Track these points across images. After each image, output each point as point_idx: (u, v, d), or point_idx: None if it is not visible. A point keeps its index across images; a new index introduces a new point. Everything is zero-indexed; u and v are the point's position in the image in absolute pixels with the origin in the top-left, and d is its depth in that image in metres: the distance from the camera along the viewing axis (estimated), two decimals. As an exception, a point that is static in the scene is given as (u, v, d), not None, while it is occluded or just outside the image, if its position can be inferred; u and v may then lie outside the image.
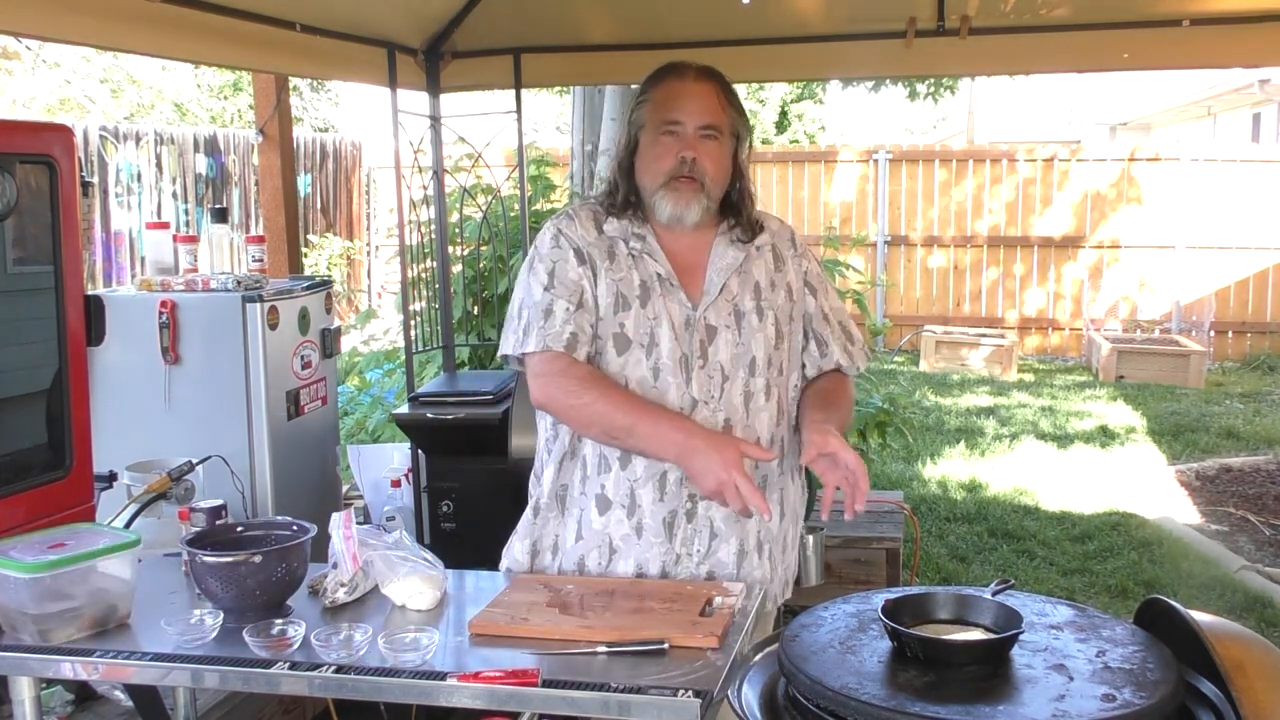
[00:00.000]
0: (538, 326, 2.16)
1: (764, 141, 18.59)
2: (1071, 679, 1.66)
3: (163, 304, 3.46)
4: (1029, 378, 10.24)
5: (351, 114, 17.75)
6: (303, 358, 3.75)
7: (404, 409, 4.09)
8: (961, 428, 8.11)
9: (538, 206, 6.55)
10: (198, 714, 2.42)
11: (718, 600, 2.00)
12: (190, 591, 2.17)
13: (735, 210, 2.28)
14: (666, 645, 1.82)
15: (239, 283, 3.52)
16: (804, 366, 2.33)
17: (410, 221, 4.46)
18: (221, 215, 4.37)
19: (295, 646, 1.86)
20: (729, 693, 1.78)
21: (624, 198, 2.25)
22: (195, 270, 3.72)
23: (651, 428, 2.07)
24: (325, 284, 4.00)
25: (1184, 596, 4.07)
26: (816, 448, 2.05)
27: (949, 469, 7.00)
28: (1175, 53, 3.92)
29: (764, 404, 2.22)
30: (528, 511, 2.32)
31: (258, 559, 2.01)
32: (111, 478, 2.81)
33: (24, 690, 1.96)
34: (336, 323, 4.12)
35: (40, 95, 13.94)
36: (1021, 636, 1.76)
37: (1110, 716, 1.54)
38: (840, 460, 2.04)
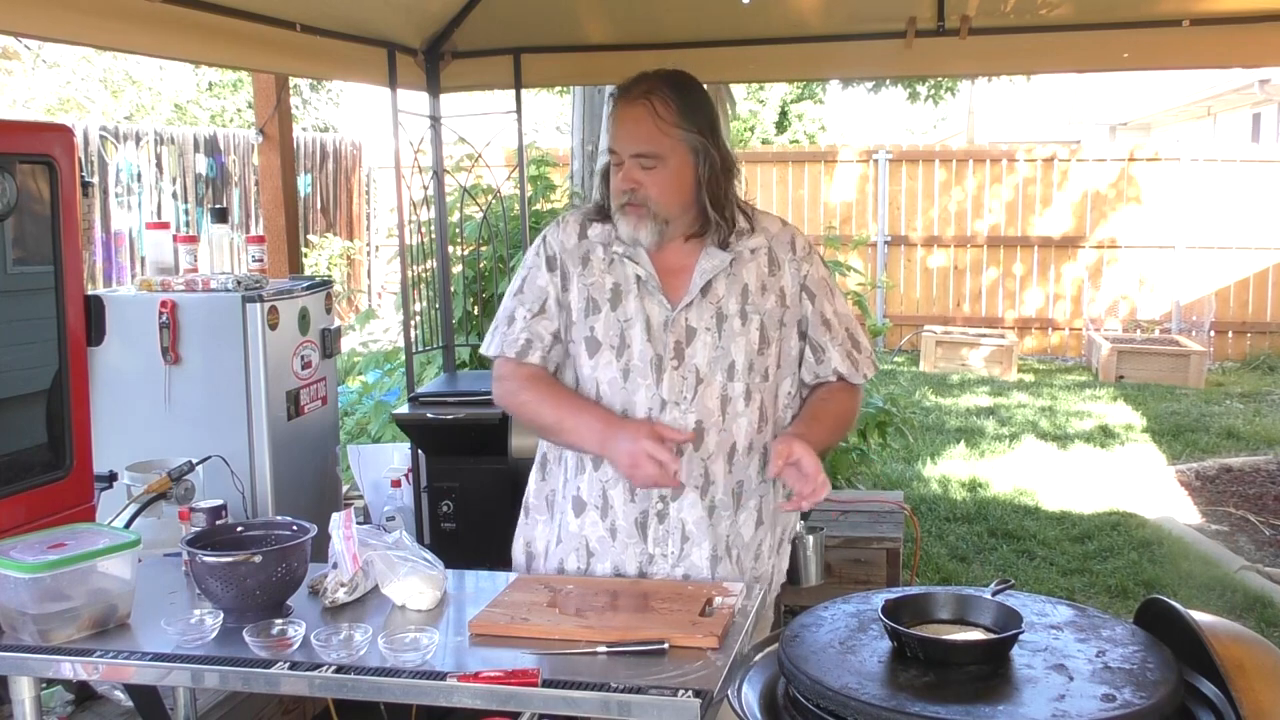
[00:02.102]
0: (500, 332, 2.27)
1: (764, 141, 18.60)
2: (1071, 679, 1.66)
3: (163, 304, 3.46)
4: (1029, 378, 10.24)
5: (351, 114, 17.77)
6: (303, 358, 3.75)
7: (404, 409, 4.09)
8: (961, 428, 8.11)
9: (538, 206, 6.55)
10: (198, 714, 2.42)
11: (718, 600, 2.00)
12: (190, 591, 2.17)
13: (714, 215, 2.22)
14: (666, 645, 1.82)
15: (239, 283, 3.52)
16: (802, 373, 2.30)
17: (410, 221, 4.46)
18: (221, 215, 4.37)
19: (295, 646, 1.86)
20: (729, 693, 1.78)
21: (609, 210, 2.27)
22: (195, 270, 3.72)
23: (574, 421, 2.15)
24: (325, 284, 4.00)
25: (1184, 596, 4.07)
26: (781, 458, 2.06)
27: (949, 469, 7.00)
28: (1175, 53, 3.92)
29: (743, 409, 2.20)
30: (521, 512, 2.38)
31: (258, 559, 2.01)
32: (111, 478, 2.81)
33: (24, 690, 1.96)
34: (336, 323, 4.12)
35: (40, 95, 13.93)
36: (1021, 636, 1.76)
37: (1110, 716, 1.54)
38: (803, 467, 2.05)
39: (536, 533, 2.34)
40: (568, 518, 2.26)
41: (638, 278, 2.21)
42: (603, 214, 2.27)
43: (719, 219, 2.20)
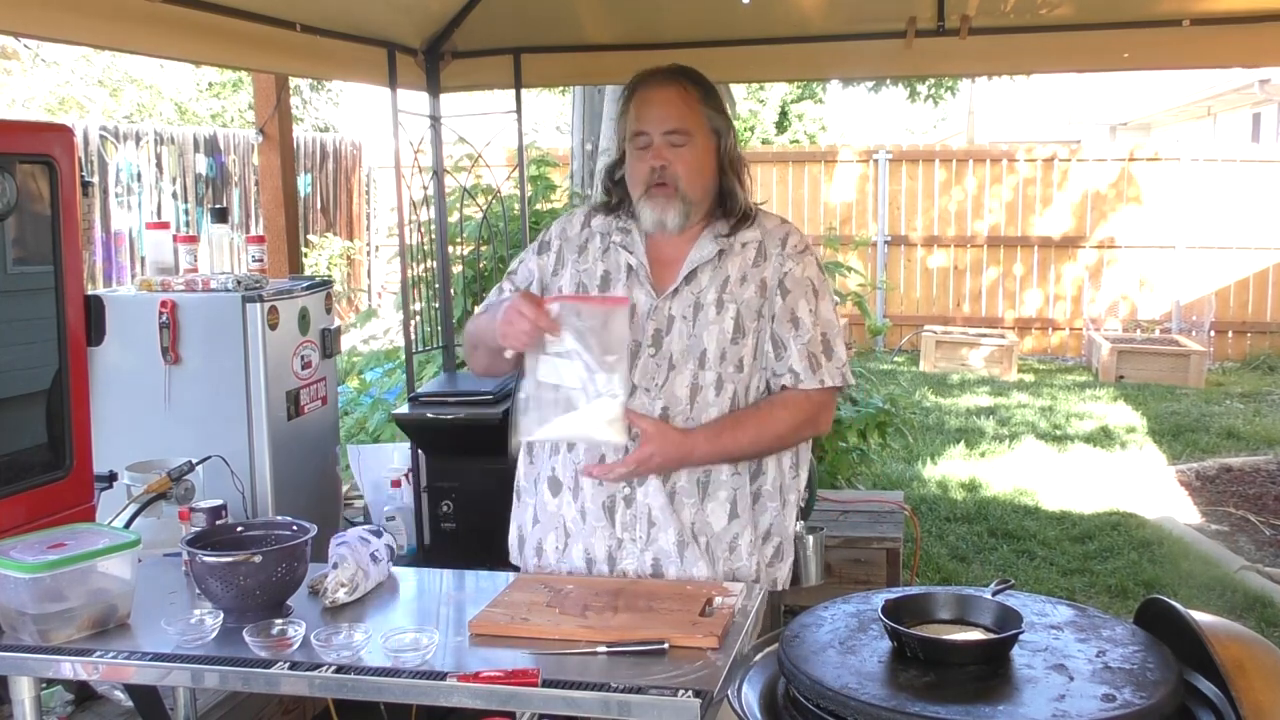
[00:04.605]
0: (489, 302, 2.38)
1: (764, 141, 18.59)
2: (1071, 679, 1.66)
3: (163, 304, 3.46)
4: (1029, 378, 10.24)
5: (351, 114, 17.75)
6: (303, 358, 3.75)
7: (404, 409, 4.09)
8: (961, 428, 8.11)
9: (538, 206, 6.55)
10: (198, 714, 2.42)
11: (718, 600, 2.00)
12: (190, 591, 2.17)
13: (725, 202, 2.28)
14: (666, 645, 1.82)
15: (239, 283, 3.52)
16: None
17: (410, 221, 4.46)
18: (221, 215, 4.37)
19: (295, 646, 1.86)
20: (729, 693, 1.78)
21: (617, 201, 2.34)
22: (195, 270, 3.72)
23: (489, 317, 2.18)
24: (325, 284, 4.00)
25: (1184, 596, 4.07)
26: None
27: (949, 469, 7.00)
28: (1175, 53, 3.92)
29: (713, 399, 2.20)
30: (513, 497, 2.42)
31: (258, 559, 2.01)
32: (111, 478, 2.81)
33: (24, 690, 1.96)
34: (336, 323, 4.12)
35: (39, 95, 13.92)
36: (1021, 636, 1.76)
37: (1110, 716, 1.54)
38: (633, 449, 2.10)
39: (527, 515, 2.36)
40: (544, 497, 2.29)
41: (629, 266, 2.27)
42: (608, 208, 2.35)
43: (731, 206, 2.27)
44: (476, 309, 2.44)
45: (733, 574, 2.23)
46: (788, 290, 2.26)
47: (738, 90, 16.13)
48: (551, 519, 2.28)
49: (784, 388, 2.25)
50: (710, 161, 2.25)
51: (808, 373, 2.23)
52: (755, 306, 2.24)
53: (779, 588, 2.36)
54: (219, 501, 2.46)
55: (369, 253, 11.72)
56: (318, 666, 1.81)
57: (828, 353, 2.25)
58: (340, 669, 1.80)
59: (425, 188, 4.72)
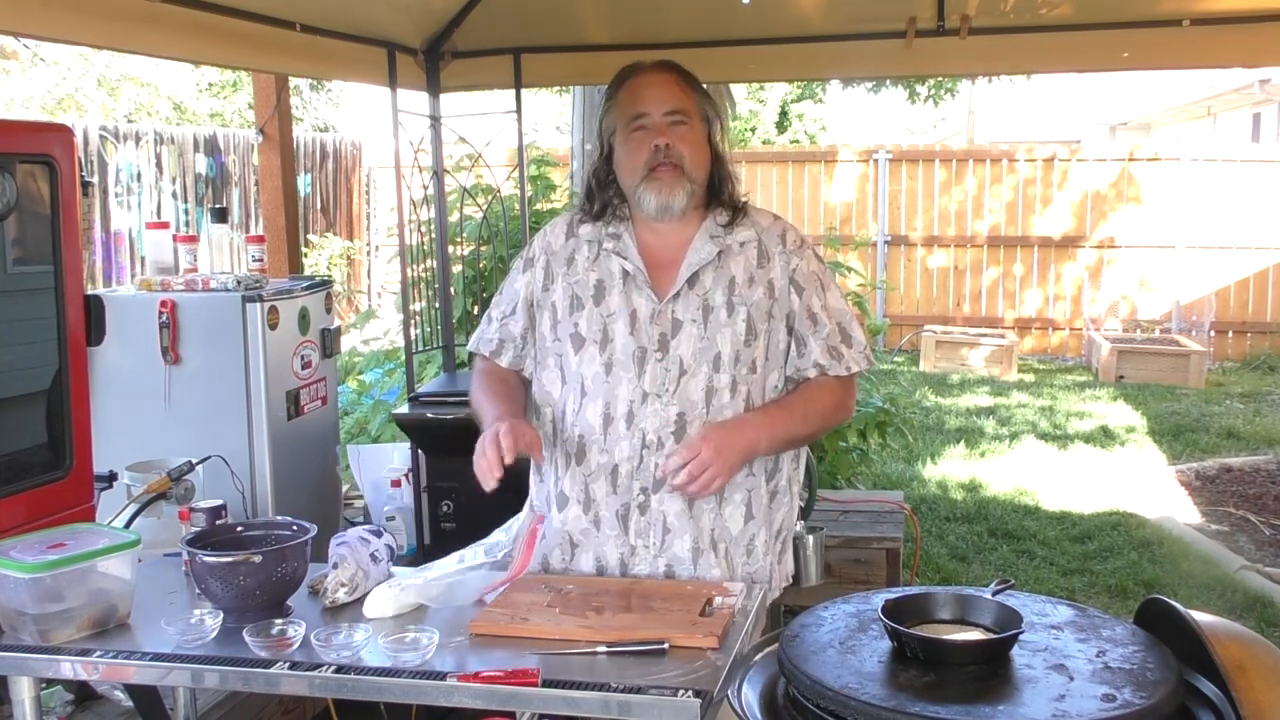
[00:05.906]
0: (480, 330, 2.39)
1: (764, 142, 18.58)
2: (1071, 679, 1.66)
3: (163, 304, 3.46)
4: (1029, 378, 10.24)
5: (351, 114, 17.73)
6: (303, 358, 3.75)
7: (404, 409, 4.08)
8: (961, 428, 8.11)
9: (538, 206, 6.55)
10: (198, 714, 2.42)
11: (718, 600, 2.00)
12: (190, 591, 2.17)
13: (718, 194, 2.28)
14: (666, 645, 1.82)
15: (239, 283, 3.52)
16: (785, 368, 2.29)
17: (410, 221, 4.46)
18: (221, 215, 4.37)
19: (295, 646, 1.86)
20: (729, 693, 1.78)
21: (600, 205, 2.30)
22: (195, 270, 3.72)
23: (481, 411, 2.25)
24: (325, 284, 4.01)
25: (1184, 596, 4.07)
26: (681, 457, 2.06)
27: (949, 469, 6.99)
28: (1175, 53, 3.92)
29: (728, 401, 2.20)
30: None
31: (258, 559, 2.01)
32: (111, 478, 2.81)
33: (24, 690, 1.96)
34: (336, 323, 4.12)
35: (38, 95, 13.92)
36: (1021, 636, 1.76)
37: (1110, 716, 1.54)
38: (702, 457, 2.05)
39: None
40: (551, 513, 2.28)
41: (625, 272, 2.24)
42: (591, 213, 2.31)
43: (731, 194, 2.27)
44: (474, 340, 2.40)
45: (751, 577, 2.23)
46: (801, 288, 2.27)
47: (738, 90, 16.12)
48: (556, 535, 2.27)
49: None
50: (706, 148, 2.26)
51: (832, 362, 2.27)
52: (765, 308, 2.23)
53: (787, 583, 2.37)
54: (219, 501, 2.46)
55: (369, 253, 11.72)
56: (318, 666, 1.81)
57: (847, 341, 2.28)
58: (340, 669, 1.80)
59: (425, 187, 4.72)
